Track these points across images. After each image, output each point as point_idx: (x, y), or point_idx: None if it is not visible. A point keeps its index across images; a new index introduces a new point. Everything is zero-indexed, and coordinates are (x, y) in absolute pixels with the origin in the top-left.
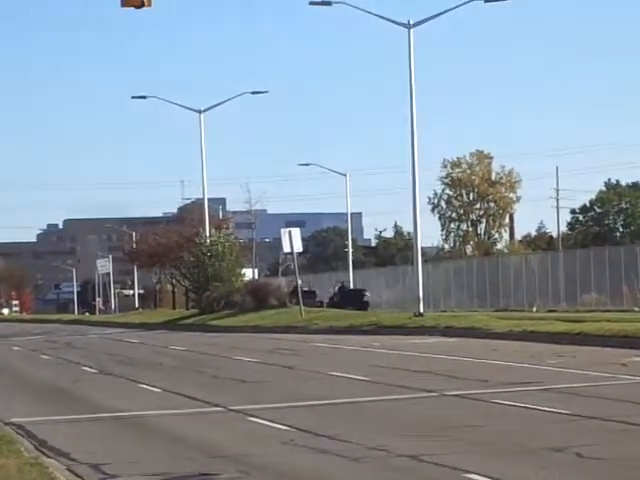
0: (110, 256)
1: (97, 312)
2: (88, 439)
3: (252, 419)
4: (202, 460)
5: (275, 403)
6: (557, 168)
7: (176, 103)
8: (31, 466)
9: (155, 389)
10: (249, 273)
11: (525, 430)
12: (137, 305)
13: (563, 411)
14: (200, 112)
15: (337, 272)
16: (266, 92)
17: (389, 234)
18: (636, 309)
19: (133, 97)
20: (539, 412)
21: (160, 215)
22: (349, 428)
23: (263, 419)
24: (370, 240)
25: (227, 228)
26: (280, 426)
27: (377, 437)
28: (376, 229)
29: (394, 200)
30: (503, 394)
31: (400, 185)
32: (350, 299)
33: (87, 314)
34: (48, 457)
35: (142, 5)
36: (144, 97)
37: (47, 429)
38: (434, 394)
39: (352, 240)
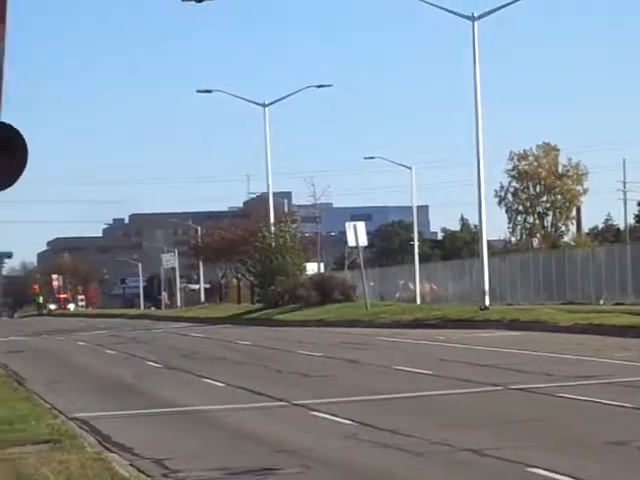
0: (176, 250)
1: (163, 307)
2: (151, 434)
3: (315, 413)
4: (265, 454)
5: (339, 397)
6: (624, 160)
7: (241, 97)
8: (94, 461)
9: (219, 384)
10: (314, 267)
11: (588, 424)
12: (202, 299)
13: (627, 404)
14: (265, 106)
15: (403, 266)
16: (330, 85)
17: (455, 227)
18: None
19: (198, 91)
20: (603, 406)
21: (225, 209)
22: (413, 422)
23: (326, 413)
24: (436, 233)
25: (292, 222)
26: (343, 420)
27: (441, 431)
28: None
29: (461, 193)
30: (567, 388)
31: (467, 178)
32: None
33: (153, 309)
34: (111, 452)
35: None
36: (209, 91)
37: (111, 424)
38: (498, 388)
39: (418, 233)
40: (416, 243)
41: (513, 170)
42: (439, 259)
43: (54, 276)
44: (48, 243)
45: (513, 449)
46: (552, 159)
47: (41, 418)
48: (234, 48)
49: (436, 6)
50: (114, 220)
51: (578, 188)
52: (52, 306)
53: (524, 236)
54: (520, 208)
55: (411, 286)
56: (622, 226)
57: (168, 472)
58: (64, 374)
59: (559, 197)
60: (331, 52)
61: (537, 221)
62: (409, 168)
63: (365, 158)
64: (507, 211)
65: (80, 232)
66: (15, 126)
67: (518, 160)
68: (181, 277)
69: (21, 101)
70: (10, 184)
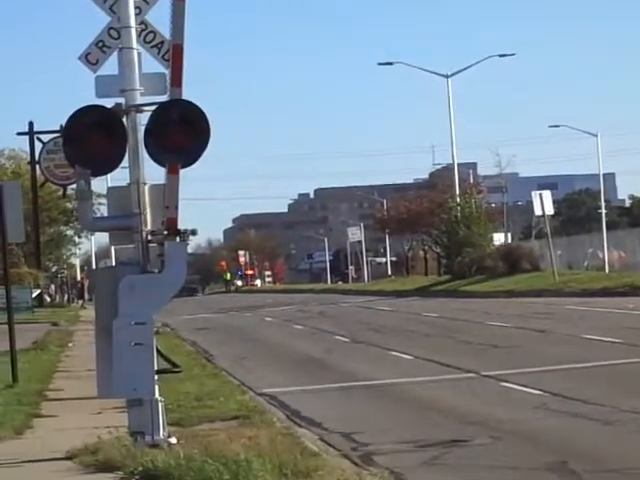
0: (361, 224)
1: (350, 280)
2: (340, 408)
3: (504, 384)
4: (454, 426)
5: (528, 367)
6: None
7: (423, 68)
8: (283, 436)
9: (407, 356)
10: (501, 237)
11: None
12: (389, 272)
13: None
14: (447, 77)
15: (590, 234)
16: (513, 55)
17: None
18: None
19: (379, 64)
20: None
21: (411, 181)
22: (603, 391)
23: (515, 384)
24: (624, 201)
25: (478, 193)
26: (533, 390)
27: (632, 400)
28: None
29: None
30: None
31: None
32: None
33: (340, 283)
34: (300, 427)
35: None
36: (391, 63)
37: (299, 399)
38: None
39: (605, 201)
40: (603, 211)
41: None
42: (627, 226)
43: (241, 252)
44: (233, 220)
45: None
46: None
47: (230, 394)
48: (415, 21)
49: None
50: (299, 195)
51: None
52: (239, 282)
53: None
54: None
55: (599, 254)
56: None
57: (357, 446)
58: (252, 350)
59: None
60: (514, 21)
61: None
62: (595, 135)
63: (550, 126)
64: None
65: (265, 208)
66: (197, 104)
67: None
68: (367, 250)
69: (199, 77)
70: (193, 161)
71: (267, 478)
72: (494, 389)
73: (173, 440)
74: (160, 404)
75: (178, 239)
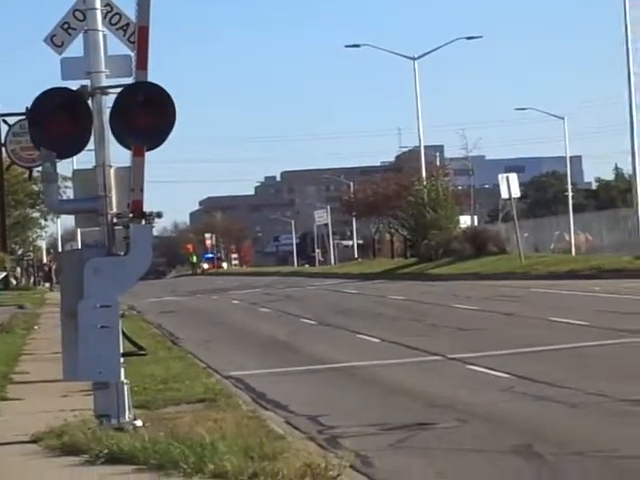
0: (328, 207)
1: (316, 264)
2: (306, 391)
3: (471, 367)
4: (420, 409)
5: (494, 350)
6: None
7: (390, 50)
8: (249, 419)
9: (374, 339)
10: (468, 220)
11: None
12: (356, 255)
13: None
14: (414, 59)
15: (557, 217)
16: (480, 37)
17: (610, 177)
18: None
19: (347, 46)
20: None
21: (378, 164)
22: (569, 374)
23: (482, 367)
24: (590, 184)
25: (445, 175)
26: (499, 373)
27: (597, 383)
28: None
29: (614, 142)
30: None
31: (621, 126)
32: None
33: (306, 266)
34: (266, 410)
35: None
36: (357, 46)
37: (265, 382)
38: None
39: (572, 184)
40: (570, 193)
41: None
42: (594, 209)
43: (207, 235)
44: (200, 202)
45: None
46: None
47: (196, 377)
48: (382, 2)
49: None
50: (265, 178)
51: None
52: (205, 265)
53: None
54: None
55: (566, 237)
56: None
57: (323, 429)
58: (218, 333)
59: None
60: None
61: None
62: (561, 118)
63: (516, 109)
64: None
65: (232, 191)
66: (162, 86)
67: None
68: (334, 233)
69: (170, 62)
70: (159, 144)
71: (233, 461)
72: (460, 372)
73: (139, 423)
74: (126, 387)
75: (144, 222)
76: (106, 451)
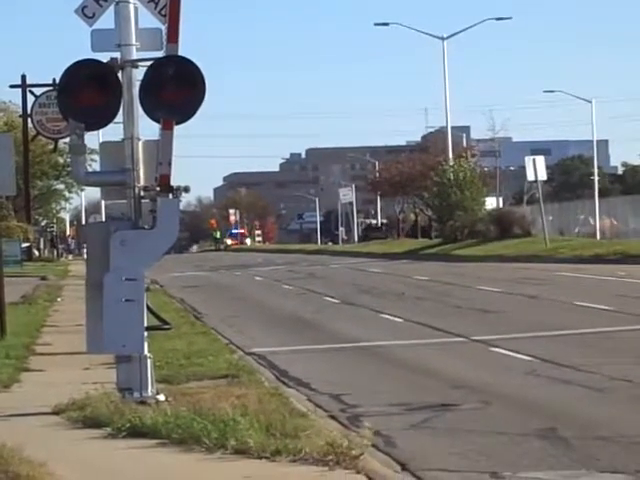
0: (353, 185)
1: (340, 242)
2: (329, 369)
3: (494, 349)
4: (443, 390)
5: (518, 333)
6: None
7: (419, 30)
8: (271, 396)
9: (397, 319)
10: (493, 202)
11: None
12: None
13: None
14: (443, 39)
15: (582, 200)
16: (509, 18)
17: (636, 161)
18: None
19: (376, 24)
20: None
21: (403, 144)
22: (593, 358)
23: (505, 349)
24: (617, 168)
25: (471, 156)
26: (522, 356)
27: (622, 367)
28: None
29: None
30: None
31: None
32: None
33: (330, 244)
34: (288, 387)
35: None
36: (387, 24)
37: (288, 359)
38: None
39: (598, 168)
40: (596, 177)
41: None
42: (619, 194)
43: (231, 211)
44: (224, 178)
45: None
46: None
47: (218, 353)
48: None
49: None
50: (291, 155)
51: None
52: (229, 241)
53: None
54: None
55: (591, 221)
56: None
57: (346, 407)
58: (241, 309)
59: None
60: None
61: None
62: (589, 102)
63: (545, 92)
64: None
65: (257, 167)
66: (193, 60)
67: None
68: (358, 212)
69: (196, 33)
70: (188, 118)
71: (254, 437)
72: (484, 354)
73: (161, 397)
74: (149, 361)
75: (171, 196)
76: (128, 425)
